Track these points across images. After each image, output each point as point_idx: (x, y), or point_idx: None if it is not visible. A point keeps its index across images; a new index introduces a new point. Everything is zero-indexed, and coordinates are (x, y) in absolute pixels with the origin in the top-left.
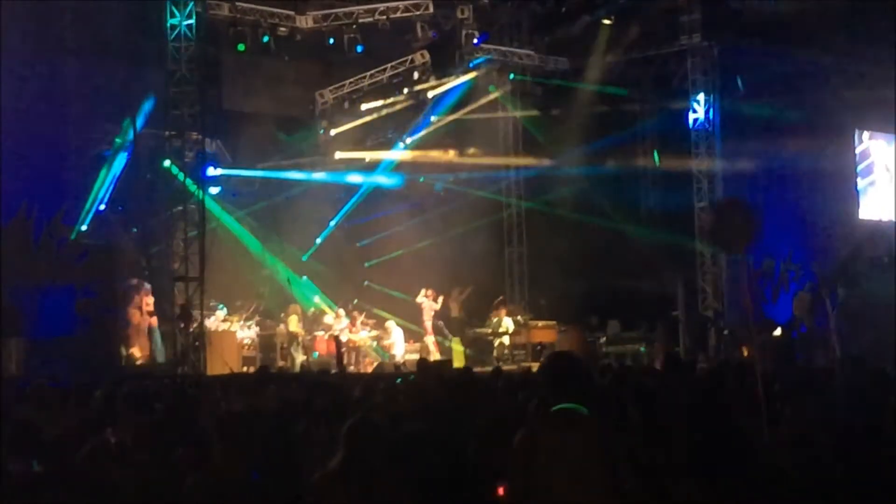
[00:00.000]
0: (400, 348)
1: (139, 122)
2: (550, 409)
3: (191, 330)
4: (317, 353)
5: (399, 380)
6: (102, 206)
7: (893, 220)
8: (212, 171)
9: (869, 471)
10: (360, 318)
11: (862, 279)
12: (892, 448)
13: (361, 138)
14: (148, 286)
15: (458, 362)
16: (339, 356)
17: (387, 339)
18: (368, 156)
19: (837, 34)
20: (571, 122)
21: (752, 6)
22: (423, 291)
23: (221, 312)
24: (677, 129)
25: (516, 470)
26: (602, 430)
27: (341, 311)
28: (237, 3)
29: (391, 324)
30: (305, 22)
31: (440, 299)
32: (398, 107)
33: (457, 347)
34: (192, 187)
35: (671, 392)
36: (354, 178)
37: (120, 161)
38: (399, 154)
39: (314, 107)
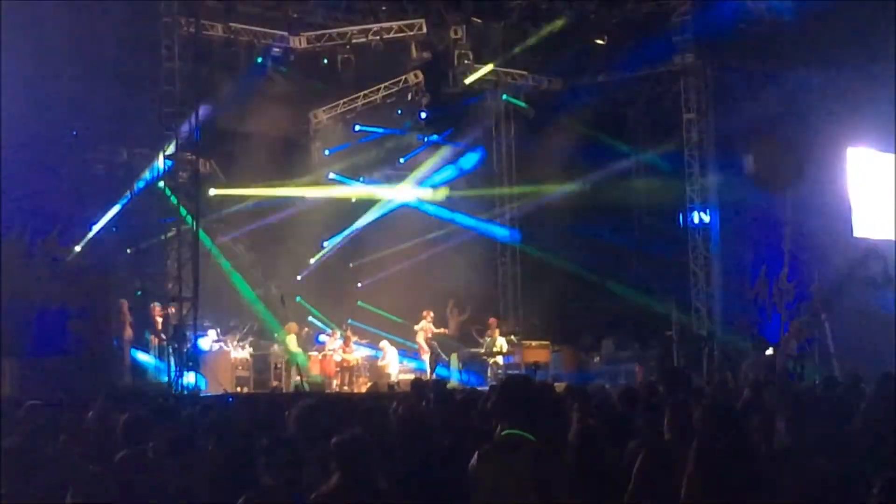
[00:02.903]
0: (395, 368)
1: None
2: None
3: (185, 350)
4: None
5: None
6: (97, 227)
7: (890, 238)
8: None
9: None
10: (354, 338)
11: (857, 298)
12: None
13: (355, 158)
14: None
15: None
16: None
17: (382, 359)
18: (362, 182)
19: (830, 52)
20: (565, 142)
21: (745, 26)
22: (422, 314)
23: (213, 332)
24: (670, 149)
25: (470, 494)
26: (542, 456)
27: (337, 331)
28: (231, 24)
29: (386, 343)
30: (299, 42)
31: (439, 327)
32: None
33: (453, 366)
34: (185, 209)
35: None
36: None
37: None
38: (391, 190)
39: (308, 127)
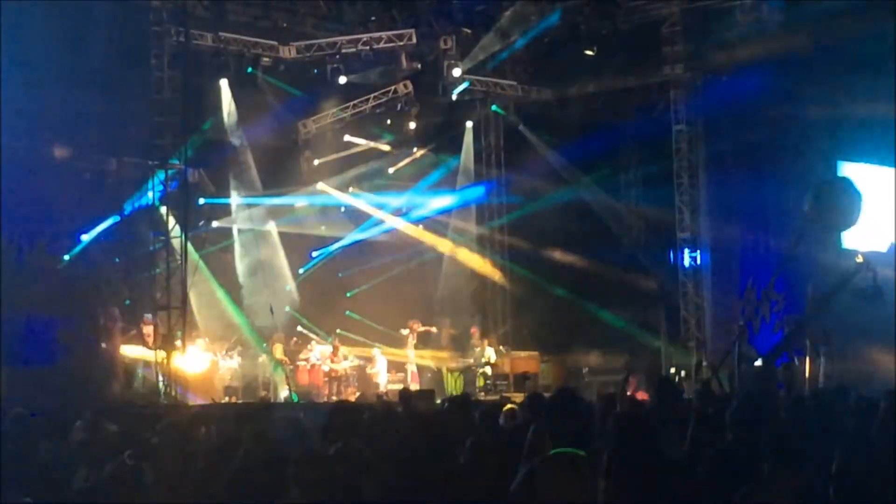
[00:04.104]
0: (383, 377)
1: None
2: (549, 451)
3: (173, 359)
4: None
5: None
6: (85, 236)
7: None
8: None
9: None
10: (342, 349)
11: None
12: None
13: (345, 168)
14: (148, 315)
15: (450, 391)
16: None
17: (371, 368)
18: (351, 193)
19: (821, 65)
20: (553, 153)
21: (736, 37)
22: (409, 324)
23: (202, 341)
24: (660, 161)
25: None
26: (597, 475)
27: (314, 343)
28: (221, 34)
29: (377, 352)
30: (289, 52)
31: (432, 329)
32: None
33: (447, 377)
34: (174, 219)
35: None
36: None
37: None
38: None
39: (297, 137)
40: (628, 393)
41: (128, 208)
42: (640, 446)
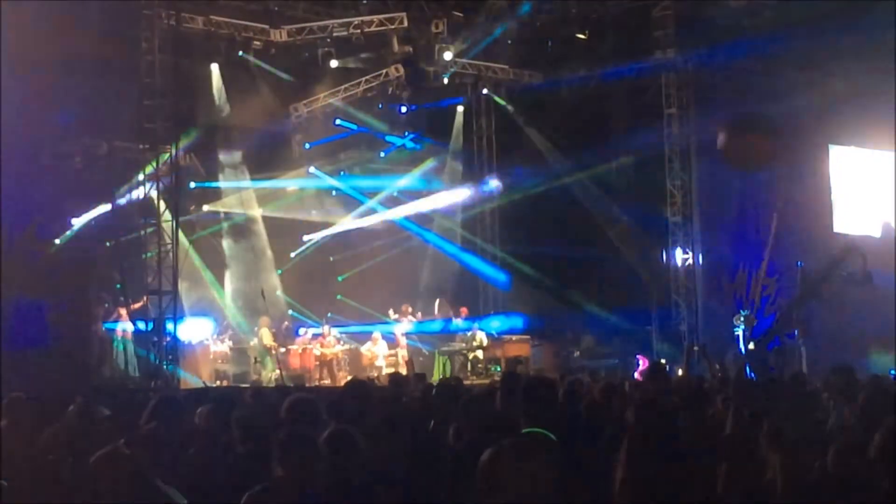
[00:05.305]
0: (382, 361)
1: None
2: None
3: (164, 343)
4: None
5: None
6: (76, 220)
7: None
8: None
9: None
10: (335, 332)
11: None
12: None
13: (336, 152)
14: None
15: (438, 375)
16: None
17: (374, 347)
18: (342, 178)
19: (811, 49)
20: (545, 136)
21: (727, 21)
22: (401, 307)
23: (193, 322)
24: (651, 144)
25: (481, 490)
26: (564, 456)
27: (309, 331)
28: (212, 17)
29: (378, 335)
30: (280, 35)
31: (419, 314)
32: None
33: (438, 360)
34: (165, 203)
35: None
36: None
37: None
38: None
39: (288, 120)
40: (637, 374)
41: (120, 199)
42: (660, 435)
